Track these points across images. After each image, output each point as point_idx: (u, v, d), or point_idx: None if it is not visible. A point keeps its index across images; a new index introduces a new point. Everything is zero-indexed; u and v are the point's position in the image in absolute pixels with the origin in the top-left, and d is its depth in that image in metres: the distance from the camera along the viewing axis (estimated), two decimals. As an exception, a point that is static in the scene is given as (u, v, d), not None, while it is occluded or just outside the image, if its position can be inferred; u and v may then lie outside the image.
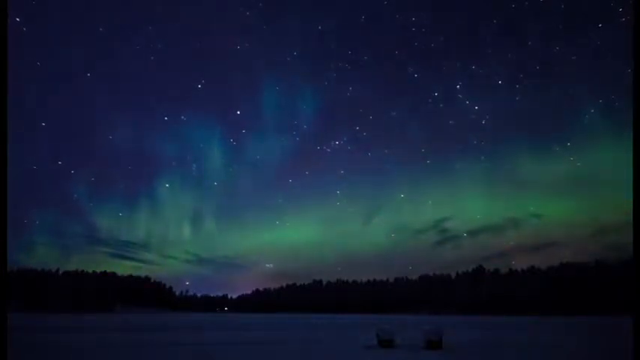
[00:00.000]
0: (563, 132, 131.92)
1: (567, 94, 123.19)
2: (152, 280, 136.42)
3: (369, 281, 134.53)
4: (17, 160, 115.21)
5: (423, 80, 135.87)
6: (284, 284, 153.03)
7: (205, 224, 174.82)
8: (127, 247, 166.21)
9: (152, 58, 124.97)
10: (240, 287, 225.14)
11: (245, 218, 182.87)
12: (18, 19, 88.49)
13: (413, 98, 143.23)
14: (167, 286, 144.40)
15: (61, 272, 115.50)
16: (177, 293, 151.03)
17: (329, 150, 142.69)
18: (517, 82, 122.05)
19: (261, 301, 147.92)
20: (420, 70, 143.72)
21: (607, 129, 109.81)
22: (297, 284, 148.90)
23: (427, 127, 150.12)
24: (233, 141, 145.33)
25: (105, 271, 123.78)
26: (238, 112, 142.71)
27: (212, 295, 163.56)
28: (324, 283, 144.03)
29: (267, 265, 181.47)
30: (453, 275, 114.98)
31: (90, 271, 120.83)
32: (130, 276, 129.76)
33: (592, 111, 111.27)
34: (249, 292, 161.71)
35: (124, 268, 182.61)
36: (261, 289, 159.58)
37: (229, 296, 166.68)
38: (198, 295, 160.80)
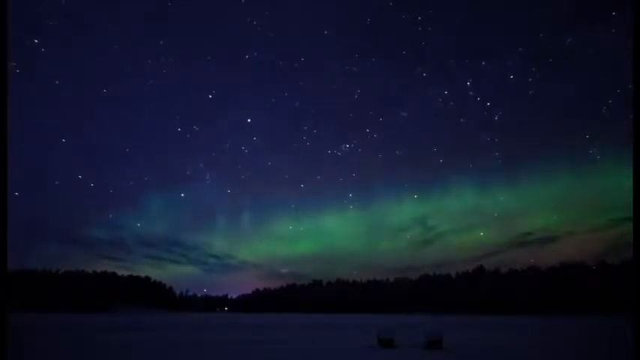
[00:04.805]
0: (580, 125, 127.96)
1: (582, 86, 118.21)
2: (152, 280, 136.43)
3: (369, 281, 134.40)
4: (40, 175, 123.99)
5: (432, 79, 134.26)
6: (284, 284, 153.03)
7: (221, 230, 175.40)
8: (132, 248, 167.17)
9: (164, 71, 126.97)
10: (240, 287, 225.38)
11: (259, 224, 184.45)
12: (36, 41, 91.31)
13: (422, 98, 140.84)
14: (167, 286, 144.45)
15: (61, 272, 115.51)
16: (178, 293, 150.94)
17: (340, 154, 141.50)
18: (529, 75, 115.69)
19: (261, 301, 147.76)
20: (428, 69, 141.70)
21: (623, 123, 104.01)
22: (297, 284, 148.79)
23: (438, 127, 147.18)
24: (245, 148, 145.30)
25: (105, 271, 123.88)
26: (249, 120, 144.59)
27: (212, 295, 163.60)
28: (324, 283, 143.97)
29: (282, 271, 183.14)
30: (453, 275, 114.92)
31: (90, 271, 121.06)
32: (130, 276, 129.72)
33: (610, 102, 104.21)
34: (249, 292, 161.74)
35: (124, 268, 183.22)
36: (261, 289, 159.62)
37: (229, 296, 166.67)
38: (199, 295, 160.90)
